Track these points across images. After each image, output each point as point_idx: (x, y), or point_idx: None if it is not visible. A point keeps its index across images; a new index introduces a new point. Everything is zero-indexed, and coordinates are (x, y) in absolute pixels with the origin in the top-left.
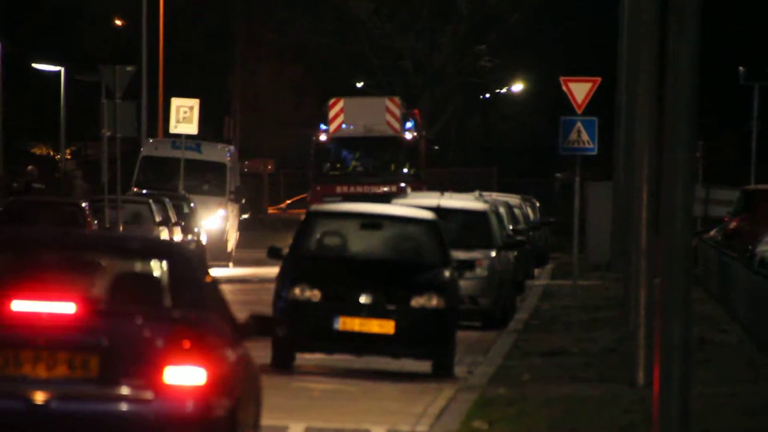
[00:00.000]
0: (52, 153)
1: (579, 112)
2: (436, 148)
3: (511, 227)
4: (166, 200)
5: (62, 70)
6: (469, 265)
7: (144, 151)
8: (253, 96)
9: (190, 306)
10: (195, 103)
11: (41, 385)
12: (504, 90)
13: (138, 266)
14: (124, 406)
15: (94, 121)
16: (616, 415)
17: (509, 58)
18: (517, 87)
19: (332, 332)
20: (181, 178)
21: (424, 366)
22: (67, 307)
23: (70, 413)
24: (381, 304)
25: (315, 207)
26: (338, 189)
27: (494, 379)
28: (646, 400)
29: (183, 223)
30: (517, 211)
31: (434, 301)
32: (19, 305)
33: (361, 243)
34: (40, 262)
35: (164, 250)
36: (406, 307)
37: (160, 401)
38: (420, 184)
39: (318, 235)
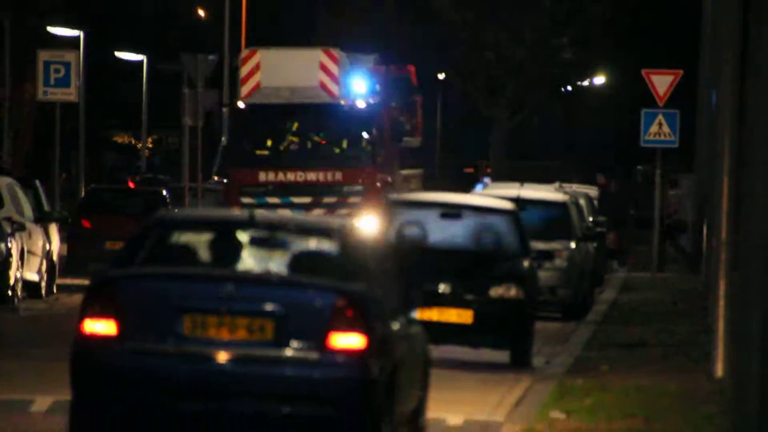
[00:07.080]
0: (133, 141)
1: (660, 104)
2: (402, 120)
3: (591, 219)
4: None
5: (144, 58)
6: (549, 255)
7: (225, 140)
8: None
9: (356, 279)
10: None
11: (224, 346)
12: (586, 82)
13: (313, 244)
14: (293, 366)
15: (175, 109)
16: (694, 407)
17: (591, 50)
18: (599, 79)
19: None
20: None
21: (502, 356)
22: (246, 278)
23: (248, 371)
24: (460, 294)
25: (394, 196)
26: (261, 176)
27: (572, 369)
28: (725, 393)
29: None
30: (597, 203)
31: (513, 292)
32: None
33: (440, 232)
34: (230, 239)
35: (337, 230)
36: (485, 297)
37: (324, 363)
38: (374, 170)
39: (397, 224)
